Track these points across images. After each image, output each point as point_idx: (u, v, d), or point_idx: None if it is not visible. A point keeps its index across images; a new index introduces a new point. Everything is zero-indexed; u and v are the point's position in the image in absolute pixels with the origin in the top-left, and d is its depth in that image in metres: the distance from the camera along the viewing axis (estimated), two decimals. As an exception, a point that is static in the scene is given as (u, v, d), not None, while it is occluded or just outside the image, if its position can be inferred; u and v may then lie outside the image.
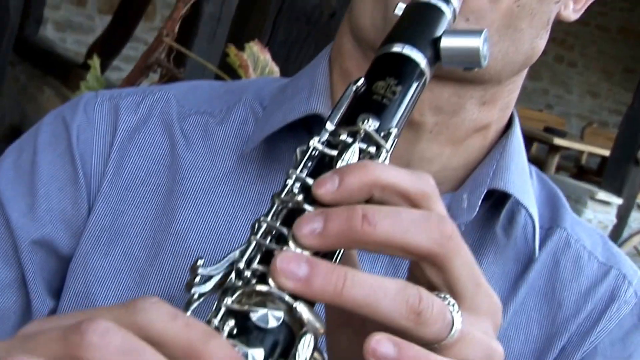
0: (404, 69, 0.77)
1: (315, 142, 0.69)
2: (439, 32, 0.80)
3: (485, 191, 0.96)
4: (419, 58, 0.76)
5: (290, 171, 0.68)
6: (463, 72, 0.88)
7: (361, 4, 0.98)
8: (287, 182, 0.67)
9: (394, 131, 0.72)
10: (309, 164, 0.69)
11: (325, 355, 0.65)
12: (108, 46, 5.66)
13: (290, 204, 0.65)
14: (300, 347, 0.61)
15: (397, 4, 0.84)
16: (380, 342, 0.58)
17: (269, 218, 0.65)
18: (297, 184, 0.66)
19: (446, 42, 0.80)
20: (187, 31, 2.79)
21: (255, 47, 1.89)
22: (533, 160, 7.23)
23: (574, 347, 1.01)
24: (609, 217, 7.47)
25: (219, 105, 1.06)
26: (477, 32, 0.79)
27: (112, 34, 5.98)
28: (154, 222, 1.00)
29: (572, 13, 1.01)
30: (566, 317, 1.02)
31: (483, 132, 1.00)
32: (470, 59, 0.80)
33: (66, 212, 1.00)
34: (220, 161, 1.02)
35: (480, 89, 0.95)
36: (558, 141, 8.50)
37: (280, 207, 0.66)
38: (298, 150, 0.70)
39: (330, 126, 0.71)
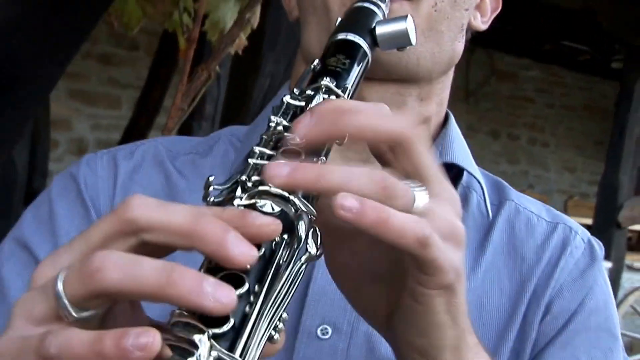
0: (349, 48, 0.87)
1: (287, 99, 0.78)
2: (373, 22, 0.91)
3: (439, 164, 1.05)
4: (360, 41, 0.87)
5: (271, 118, 0.76)
6: (401, 72, 1.01)
7: (309, 31, 1.08)
8: (269, 125, 0.75)
9: (349, 87, 0.81)
10: (283, 112, 0.77)
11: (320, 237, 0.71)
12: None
13: (274, 137, 0.73)
14: (299, 226, 0.67)
15: (337, 19, 0.95)
16: (346, 197, 0.63)
17: (259, 147, 0.72)
18: (278, 126, 0.74)
19: (380, 30, 0.90)
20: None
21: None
22: None
23: (542, 289, 1.08)
24: None
25: (201, 146, 1.16)
26: (403, 17, 0.91)
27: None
28: None
29: (480, 24, 1.14)
30: (530, 267, 1.10)
31: (426, 124, 1.10)
32: (401, 39, 0.91)
33: None
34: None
35: (417, 87, 1.05)
36: None
37: (267, 140, 0.73)
38: (273, 106, 0.78)
39: (297, 90, 0.79)
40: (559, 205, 10.41)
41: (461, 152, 1.14)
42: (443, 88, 1.12)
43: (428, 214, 0.69)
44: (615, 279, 7.53)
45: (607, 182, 7.67)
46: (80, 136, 7.80)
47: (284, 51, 2.09)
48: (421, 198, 0.70)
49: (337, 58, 0.87)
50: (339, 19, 0.95)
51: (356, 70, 0.86)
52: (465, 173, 1.12)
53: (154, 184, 1.12)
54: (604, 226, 7.61)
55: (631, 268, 7.79)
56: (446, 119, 1.16)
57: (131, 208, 0.62)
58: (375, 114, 0.72)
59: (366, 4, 0.95)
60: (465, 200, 1.13)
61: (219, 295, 0.57)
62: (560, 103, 11.52)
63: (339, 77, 0.84)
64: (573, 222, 1.17)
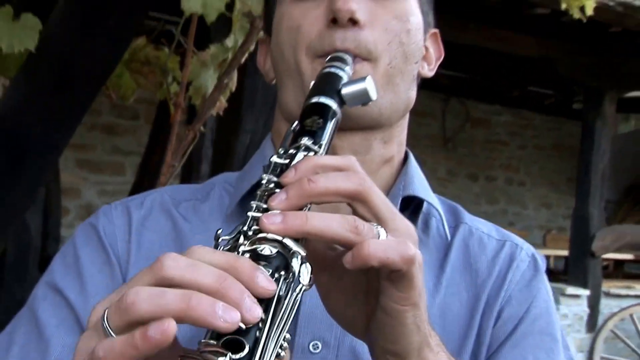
0: (322, 110, 0.94)
1: (274, 159, 0.86)
2: (340, 85, 0.97)
3: (400, 199, 1.13)
4: (330, 102, 0.94)
5: (263, 176, 0.84)
6: (366, 122, 1.08)
7: (286, 93, 1.14)
8: (262, 182, 0.83)
9: (324, 144, 0.89)
10: (272, 170, 0.85)
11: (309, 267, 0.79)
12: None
13: (267, 192, 0.80)
14: (293, 264, 0.76)
15: (310, 83, 1.01)
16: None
17: (256, 202, 0.80)
18: (270, 184, 0.82)
19: (345, 91, 0.96)
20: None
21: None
22: None
23: (494, 299, 1.14)
24: (582, 308, 7.43)
25: (199, 193, 1.20)
26: (363, 79, 0.97)
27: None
28: None
29: (428, 71, 1.22)
30: (483, 279, 1.16)
31: (390, 163, 1.16)
32: (363, 97, 0.98)
33: (108, 286, 1.10)
34: (212, 225, 1.11)
35: (380, 131, 1.12)
36: None
37: (261, 195, 0.81)
38: (264, 165, 0.86)
39: (282, 151, 0.87)
40: (538, 240, 10.40)
41: (420, 185, 1.18)
42: (402, 130, 1.18)
43: (395, 245, 0.79)
44: (593, 305, 7.55)
45: (579, 215, 7.69)
46: (89, 202, 7.83)
47: (261, 109, 2.13)
48: (382, 234, 0.79)
49: (313, 119, 0.93)
50: (312, 83, 1.01)
51: (329, 128, 0.93)
52: (425, 203, 1.17)
53: (163, 228, 1.16)
54: (579, 256, 7.66)
55: (608, 294, 7.68)
56: (406, 157, 1.21)
57: (166, 267, 0.70)
58: (334, 179, 0.81)
59: (333, 69, 1.01)
60: (426, 225, 1.18)
61: (228, 317, 0.66)
62: (531, 144, 11.50)
63: (315, 135, 0.91)
64: (519, 239, 1.23)
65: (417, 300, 0.83)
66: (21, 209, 2.14)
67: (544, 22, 6.68)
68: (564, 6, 2.50)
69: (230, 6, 1.77)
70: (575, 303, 7.41)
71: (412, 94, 1.16)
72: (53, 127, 2.01)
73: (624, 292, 7.86)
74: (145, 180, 6.17)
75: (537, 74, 8.59)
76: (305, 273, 0.77)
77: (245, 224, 0.79)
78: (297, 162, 0.84)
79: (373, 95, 0.98)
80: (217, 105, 1.89)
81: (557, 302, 7.20)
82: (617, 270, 9.30)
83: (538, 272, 1.19)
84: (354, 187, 0.80)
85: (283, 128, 1.13)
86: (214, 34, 1.98)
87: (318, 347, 1.06)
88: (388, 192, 1.15)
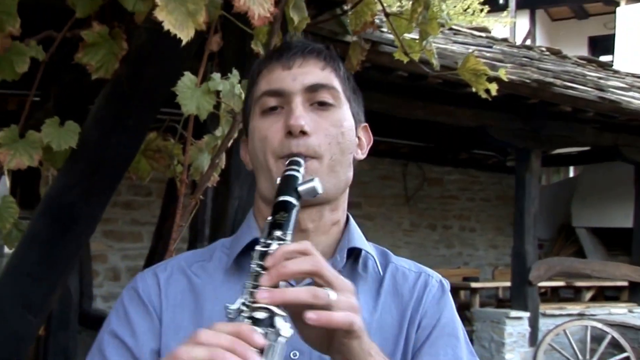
0: (285, 206, 1.03)
1: (258, 248, 0.98)
2: (296, 185, 1.06)
3: (346, 250, 1.21)
4: (291, 199, 1.04)
5: (252, 263, 0.97)
6: (318, 201, 1.14)
7: (260, 181, 1.20)
8: (252, 267, 0.96)
9: (289, 233, 1.00)
10: (259, 257, 0.97)
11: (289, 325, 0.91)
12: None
13: (256, 275, 0.94)
14: (277, 323, 0.90)
15: (276, 179, 1.09)
16: (310, 313, 0.88)
17: (250, 282, 0.94)
18: (257, 267, 0.95)
19: (300, 189, 1.05)
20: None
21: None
22: (462, 304, 6.93)
23: (415, 313, 1.22)
24: (524, 327, 7.39)
25: (205, 255, 1.26)
26: (311, 180, 1.07)
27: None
28: (192, 318, 1.18)
29: (361, 155, 1.27)
30: (407, 301, 1.24)
31: (337, 224, 1.23)
32: (313, 192, 1.07)
33: (149, 328, 1.17)
34: (216, 278, 1.20)
35: (328, 205, 1.19)
36: (474, 284, 8.47)
37: (253, 275, 0.94)
38: (253, 253, 0.98)
39: (262, 240, 0.99)
40: (488, 275, 10.31)
41: (359, 238, 1.25)
42: (344, 200, 1.25)
43: (339, 301, 0.92)
44: (533, 324, 7.47)
45: (517, 252, 7.61)
46: (114, 266, 7.78)
47: (244, 180, 2.16)
48: (332, 295, 0.92)
49: (280, 214, 1.03)
50: (278, 180, 1.09)
51: (292, 217, 1.03)
52: (363, 251, 1.24)
53: (182, 284, 1.22)
54: (520, 286, 7.57)
55: (545, 315, 7.60)
56: (348, 218, 1.27)
57: (200, 336, 0.86)
58: (298, 263, 0.94)
59: (291, 172, 1.09)
60: (365, 266, 1.25)
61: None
62: (479, 197, 11.43)
63: (283, 227, 1.01)
64: (430, 270, 1.31)
65: (359, 334, 0.96)
66: (69, 269, 2.18)
67: (477, 97, 6.62)
68: (474, 89, 2.48)
69: (217, 106, 1.85)
70: (518, 324, 7.33)
71: (350, 174, 1.23)
72: (91, 201, 2.07)
73: (557, 312, 7.78)
74: (160, 244, 6.19)
75: (477, 140, 8.47)
76: (285, 327, 0.91)
77: (244, 296, 0.93)
78: (273, 251, 0.96)
79: (320, 190, 1.07)
80: (211, 179, 1.97)
81: (503, 323, 7.32)
82: (553, 295, 9.22)
83: (444, 293, 1.27)
84: (310, 267, 0.93)
85: (261, 206, 1.24)
86: (206, 127, 2.04)
87: (297, 355, 1.13)
88: (337, 245, 1.23)
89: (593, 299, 8.86)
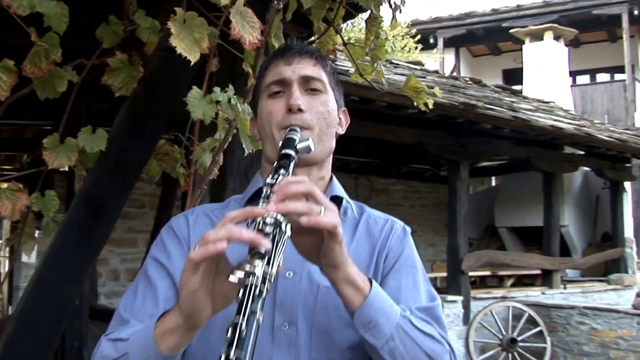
0: (287, 157, 1.11)
1: (268, 180, 1.05)
2: (295, 144, 1.13)
3: (329, 197, 1.24)
4: (291, 152, 1.11)
5: (262, 188, 1.04)
6: (309, 162, 1.21)
7: (266, 149, 1.27)
8: (263, 189, 1.03)
9: (289, 172, 1.07)
10: (268, 187, 1.02)
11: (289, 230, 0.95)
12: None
13: (267, 195, 1.00)
14: (284, 225, 0.94)
15: (279, 144, 1.16)
16: (304, 219, 0.95)
17: (262, 202, 0.99)
18: (267, 193, 1.01)
19: (299, 146, 1.13)
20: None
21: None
22: None
23: (382, 249, 1.25)
24: (459, 309, 7.48)
25: (223, 205, 1.32)
26: (307, 139, 1.16)
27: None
28: None
29: (340, 131, 1.33)
30: (376, 239, 1.26)
31: (322, 180, 1.28)
32: (307, 149, 1.15)
33: (180, 254, 1.21)
34: None
35: (316, 165, 1.25)
36: None
37: (264, 195, 1.01)
38: (264, 186, 1.05)
39: (269, 178, 1.05)
40: (428, 269, 10.15)
41: (340, 191, 1.30)
42: (328, 163, 1.30)
43: (326, 214, 0.97)
44: (466, 307, 7.53)
45: (451, 246, 7.77)
46: (115, 268, 7.65)
47: (237, 175, 2.22)
48: (322, 211, 0.97)
49: (283, 161, 1.10)
50: (280, 143, 1.16)
51: (291, 165, 1.09)
52: (343, 200, 1.28)
53: (205, 223, 1.26)
54: (454, 275, 7.65)
55: (475, 299, 7.69)
56: (331, 177, 1.31)
57: (207, 234, 0.91)
58: (297, 186, 0.99)
59: (291, 135, 1.16)
60: (344, 213, 1.28)
61: (250, 235, 0.89)
62: (418, 204, 11.54)
63: (286, 167, 1.08)
64: (395, 218, 1.34)
65: (340, 241, 1.01)
66: (99, 249, 2.22)
67: (415, 118, 6.69)
68: (416, 104, 2.52)
69: (215, 117, 1.94)
70: (454, 306, 7.42)
71: (332, 144, 1.29)
72: (116, 194, 2.13)
73: (485, 296, 7.87)
74: None
75: (416, 154, 8.47)
76: (288, 229, 0.95)
77: (263, 198, 1.01)
78: (279, 181, 1.03)
79: (312, 147, 1.16)
80: (213, 173, 2.05)
81: (442, 307, 7.37)
82: (482, 283, 9.31)
83: (406, 235, 1.30)
84: (306, 189, 1.00)
85: (266, 166, 1.30)
86: (205, 134, 2.09)
87: (291, 274, 1.17)
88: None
89: (513, 285, 8.98)
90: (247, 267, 0.87)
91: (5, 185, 2.05)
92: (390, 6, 2.42)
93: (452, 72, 15.67)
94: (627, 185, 10.60)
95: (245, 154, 2.06)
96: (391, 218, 1.33)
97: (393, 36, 15.72)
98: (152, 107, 2.15)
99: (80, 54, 2.11)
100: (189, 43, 1.76)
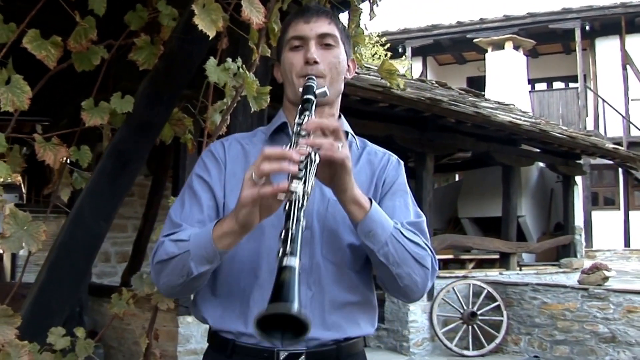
0: (309, 100, 1.22)
1: (297, 120, 1.15)
2: (314, 90, 1.25)
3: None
4: (312, 97, 1.22)
5: (295, 123, 1.13)
6: (321, 101, 1.29)
7: (288, 92, 1.37)
8: (295, 125, 1.13)
9: (313, 113, 1.17)
10: (299, 123, 1.13)
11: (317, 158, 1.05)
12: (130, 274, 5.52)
13: (298, 130, 1.10)
14: (313, 154, 1.05)
15: (299, 88, 1.27)
16: (326, 150, 1.08)
17: (293, 136, 1.10)
18: (298, 127, 1.11)
19: (317, 91, 1.26)
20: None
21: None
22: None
23: (381, 174, 1.36)
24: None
25: (251, 135, 1.42)
26: (323, 86, 1.28)
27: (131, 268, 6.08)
28: (243, 168, 1.30)
29: (349, 76, 1.42)
30: (375, 166, 1.38)
31: (333, 117, 1.38)
32: (324, 94, 1.27)
33: (218, 172, 1.32)
34: (259, 147, 1.33)
35: (328, 105, 1.35)
36: None
37: (296, 131, 1.11)
38: (295, 121, 1.16)
39: (297, 117, 1.16)
40: None
41: (347, 126, 1.40)
42: (337, 102, 1.39)
43: (342, 150, 1.08)
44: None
45: None
46: (106, 250, 7.75)
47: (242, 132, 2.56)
48: (340, 146, 1.08)
49: (306, 104, 1.20)
50: (301, 89, 1.26)
51: (313, 107, 1.20)
52: (349, 134, 1.38)
53: (237, 148, 1.36)
54: None
55: (439, 277, 7.49)
56: (340, 115, 1.41)
57: (261, 160, 1.03)
58: (327, 123, 1.10)
59: (309, 83, 1.26)
60: (350, 144, 1.38)
61: (291, 165, 1.02)
62: None
63: (309, 110, 1.18)
64: (392, 153, 1.44)
65: (349, 171, 1.14)
66: (125, 194, 2.43)
67: (385, 113, 6.85)
68: (388, 84, 2.70)
69: (224, 84, 2.20)
70: None
71: (341, 87, 1.39)
72: (139, 149, 2.38)
73: (448, 275, 8.04)
74: (146, 225, 6.42)
75: (386, 147, 8.08)
76: (317, 157, 1.06)
77: (295, 134, 1.12)
78: (306, 122, 1.14)
79: (328, 92, 1.30)
80: (222, 130, 2.29)
81: None
82: (445, 265, 9.19)
83: (400, 165, 1.42)
84: (334, 126, 1.11)
85: (288, 105, 1.39)
86: (218, 97, 2.30)
87: (304, 229, 1.13)
88: None
89: (474, 269, 9.15)
90: (292, 187, 1.01)
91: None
92: (369, 1, 2.79)
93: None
94: (579, 180, 11.06)
95: (252, 112, 2.34)
96: (388, 152, 1.45)
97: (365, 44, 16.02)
98: (170, 79, 2.45)
99: (109, 36, 2.41)
100: (208, 22, 2.08)
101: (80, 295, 5.27)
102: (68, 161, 2.46)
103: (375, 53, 17.05)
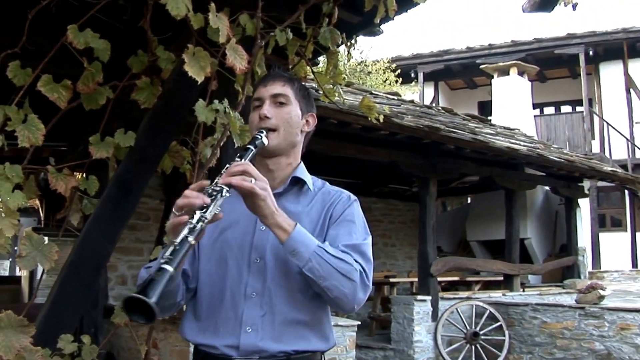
0: (246, 149, 1.35)
1: (227, 165, 1.29)
2: (255, 142, 1.37)
3: (291, 178, 1.44)
4: (251, 146, 1.35)
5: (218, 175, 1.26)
6: (274, 152, 1.43)
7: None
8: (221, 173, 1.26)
9: (246, 159, 1.29)
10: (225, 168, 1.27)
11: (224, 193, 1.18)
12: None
13: (220, 174, 1.24)
14: (223, 192, 1.19)
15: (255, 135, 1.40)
16: (238, 183, 1.21)
17: (214, 182, 1.23)
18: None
19: (257, 142, 1.37)
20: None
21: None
22: (384, 297, 7.27)
23: (329, 210, 1.44)
24: (428, 307, 7.70)
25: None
26: (259, 137, 1.38)
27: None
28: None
29: (307, 129, 1.52)
30: (326, 203, 1.46)
31: (290, 165, 1.48)
32: (261, 144, 1.38)
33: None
34: (238, 207, 1.36)
35: (284, 155, 1.46)
36: (392, 280, 8.77)
37: (220, 173, 1.25)
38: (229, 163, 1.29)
39: (229, 162, 1.29)
40: (405, 276, 10.26)
41: (302, 173, 1.49)
42: (294, 152, 1.50)
43: (256, 183, 1.22)
44: (434, 305, 7.74)
45: (421, 252, 7.96)
46: (122, 274, 7.77)
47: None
48: (253, 181, 1.21)
49: (244, 152, 1.33)
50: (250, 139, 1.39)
51: (248, 154, 1.32)
52: (303, 180, 1.47)
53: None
54: (424, 277, 7.87)
55: (443, 298, 7.97)
56: (299, 163, 1.50)
57: (184, 193, 1.19)
58: (236, 166, 1.22)
59: (256, 134, 1.39)
60: (307, 188, 1.48)
61: (200, 199, 1.15)
62: (397, 220, 11.68)
63: (243, 157, 1.31)
64: (344, 190, 1.51)
65: (263, 199, 1.24)
66: (127, 219, 2.64)
67: (388, 140, 6.94)
68: (369, 118, 2.95)
69: (215, 120, 2.41)
70: (423, 305, 7.64)
71: (297, 139, 1.50)
72: (140, 179, 2.59)
73: (452, 296, 8.12)
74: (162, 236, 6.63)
75: (391, 172, 8.44)
76: (225, 193, 1.19)
77: (213, 184, 1.24)
78: (230, 165, 1.27)
79: (265, 143, 1.41)
80: (212, 162, 2.48)
81: (412, 305, 7.42)
82: (452, 288, 9.47)
83: (349, 200, 1.49)
84: (242, 168, 1.24)
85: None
86: (208, 133, 2.48)
87: (258, 260, 1.38)
88: (288, 176, 1.48)
89: (479, 290, 9.24)
90: (193, 216, 1.17)
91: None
92: (346, 45, 3.05)
93: (431, 103, 16.19)
94: (586, 202, 11.07)
95: (235, 147, 2.58)
96: (342, 190, 1.53)
97: (376, 70, 16.33)
98: (168, 116, 2.72)
99: (114, 77, 2.69)
100: (197, 69, 2.34)
101: (95, 317, 5.45)
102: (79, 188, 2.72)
103: (387, 79, 17.31)
